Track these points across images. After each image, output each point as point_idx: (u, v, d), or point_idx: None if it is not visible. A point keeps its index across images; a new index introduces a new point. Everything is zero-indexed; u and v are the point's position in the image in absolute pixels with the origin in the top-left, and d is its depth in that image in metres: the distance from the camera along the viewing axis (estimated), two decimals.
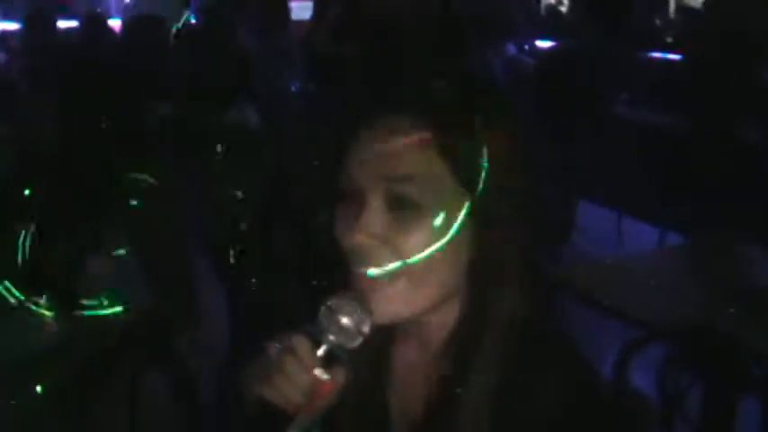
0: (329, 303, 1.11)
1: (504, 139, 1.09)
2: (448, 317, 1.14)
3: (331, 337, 1.10)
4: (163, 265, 2.25)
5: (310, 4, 7.09)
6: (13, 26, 6.86)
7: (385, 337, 1.21)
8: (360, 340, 1.10)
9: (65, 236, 2.21)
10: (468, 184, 1.07)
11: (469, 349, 1.11)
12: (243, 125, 3.46)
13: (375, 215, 1.08)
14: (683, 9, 6.52)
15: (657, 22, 6.54)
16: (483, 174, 1.07)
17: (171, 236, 2.33)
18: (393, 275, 1.08)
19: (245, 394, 1.13)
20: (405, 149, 1.06)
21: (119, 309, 2.18)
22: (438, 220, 1.07)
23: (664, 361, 2.10)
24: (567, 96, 4.87)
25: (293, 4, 7.16)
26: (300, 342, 1.08)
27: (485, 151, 1.07)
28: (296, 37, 5.99)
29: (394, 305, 1.10)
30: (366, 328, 1.11)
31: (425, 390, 1.16)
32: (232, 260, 3.06)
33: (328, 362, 1.10)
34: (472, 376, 1.09)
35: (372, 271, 1.09)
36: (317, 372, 1.08)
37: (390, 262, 1.08)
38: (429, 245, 1.07)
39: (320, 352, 1.09)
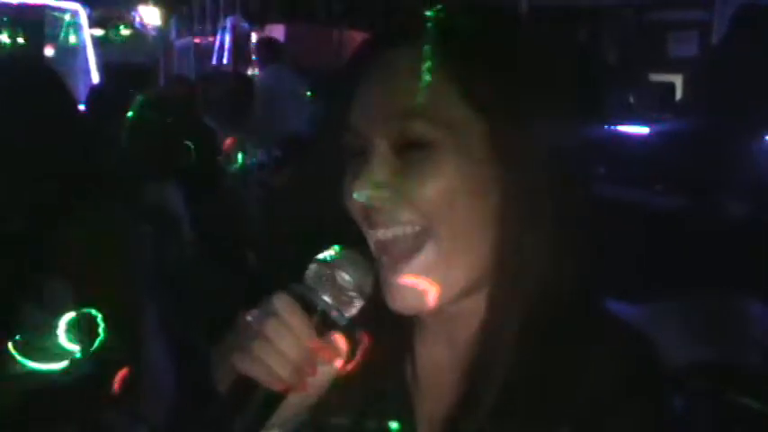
0: (320, 256, 0.89)
1: (517, 56, 0.92)
2: (476, 306, 0.94)
3: (325, 298, 0.88)
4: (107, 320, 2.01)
5: None
6: None
7: (409, 333, 1.01)
8: (359, 304, 0.90)
9: None
10: (482, 106, 0.88)
11: (499, 345, 0.91)
12: (163, 205, 3.40)
13: (381, 161, 0.90)
14: (658, 84, 6.58)
15: (631, 98, 6.56)
16: (499, 93, 0.88)
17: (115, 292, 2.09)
18: (415, 239, 0.89)
19: (218, 376, 0.91)
20: (406, 79, 0.90)
21: (54, 366, 1.93)
22: (454, 157, 0.88)
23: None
24: None
25: None
26: (286, 303, 0.87)
27: (498, 67, 0.90)
28: None
29: (419, 287, 0.90)
30: (368, 288, 0.90)
31: (452, 390, 0.95)
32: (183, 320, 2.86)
33: (324, 329, 0.89)
34: (502, 373, 0.90)
35: (385, 232, 0.90)
36: (311, 340, 0.86)
37: (405, 217, 0.89)
38: (446, 189, 0.87)
39: (313, 317, 0.88)
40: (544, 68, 0.93)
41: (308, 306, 0.87)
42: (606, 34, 8.76)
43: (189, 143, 3.99)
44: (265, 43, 7.33)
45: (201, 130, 4.65)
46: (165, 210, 3.35)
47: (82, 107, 6.52)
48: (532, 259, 0.89)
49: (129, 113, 3.92)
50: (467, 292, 0.92)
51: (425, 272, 0.89)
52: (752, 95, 4.66)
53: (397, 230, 0.90)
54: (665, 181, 4.65)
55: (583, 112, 0.96)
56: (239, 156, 4.82)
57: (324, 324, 0.88)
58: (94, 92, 5.34)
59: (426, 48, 0.90)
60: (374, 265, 0.92)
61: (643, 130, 5.41)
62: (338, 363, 0.91)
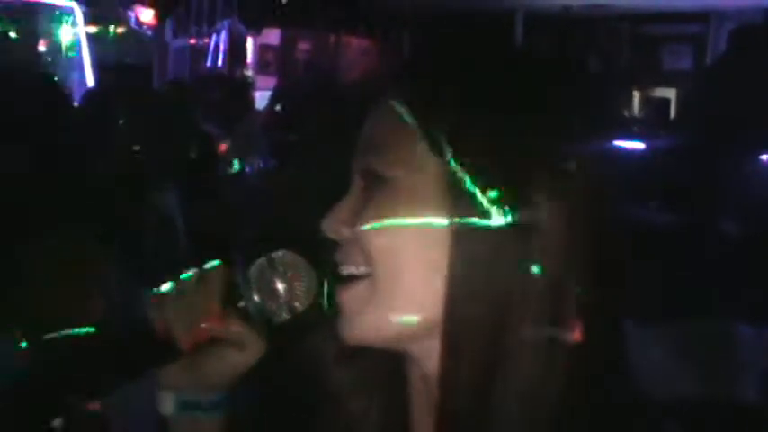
0: (274, 255, 0.92)
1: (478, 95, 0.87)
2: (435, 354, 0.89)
3: (255, 297, 0.91)
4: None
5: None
6: None
7: (402, 376, 1.00)
8: (283, 317, 0.92)
9: None
10: (437, 147, 0.85)
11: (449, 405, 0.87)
12: (159, 210, 3.37)
13: (349, 199, 0.92)
14: (651, 100, 6.61)
15: (626, 113, 6.60)
16: (456, 130, 0.85)
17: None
18: (360, 278, 0.89)
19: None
20: (378, 119, 0.92)
21: None
22: (408, 202, 0.86)
23: None
24: None
25: (257, 94, 7.14)
26: (214, 267, 0.92)
27: (455, 103, 0.87)
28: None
29: (354, 320, 0.90)
30: (300, 305, 0.92)
31: None
32: None
33: (232, 308, 0.92)
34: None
35: (343, 268, 0.91)
36: (213, 304, 0.90)
37: (355, 260, 0.90)
38: (393, 241, 0.86)
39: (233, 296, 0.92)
40: (517, 110, 0.87)
41: (236, 289, 0.91)
42: (601, 48, 8.77)
43: (183, 146, 3.97)
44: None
45: (195, 133, 4.63)
46: (161, 214, 3.33)
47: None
48: (475, 321, 0.83)
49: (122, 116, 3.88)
50: (414, 338, 0.89)
51: (358, 308, 0.89)
52: (748, 115, 4.66)
53: (351, 269, 0.90)
54: (661, 197, 4.64)
55: (571, 137, 0.90)
56: (236, 161, 4.81)
57: (235, 305, 0.91)
58: (89, 93, 5.31)
59: (394, 90, 0.91)
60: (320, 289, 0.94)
61: (638, 145, 5.43)
62: (232, 351, 0.93)
